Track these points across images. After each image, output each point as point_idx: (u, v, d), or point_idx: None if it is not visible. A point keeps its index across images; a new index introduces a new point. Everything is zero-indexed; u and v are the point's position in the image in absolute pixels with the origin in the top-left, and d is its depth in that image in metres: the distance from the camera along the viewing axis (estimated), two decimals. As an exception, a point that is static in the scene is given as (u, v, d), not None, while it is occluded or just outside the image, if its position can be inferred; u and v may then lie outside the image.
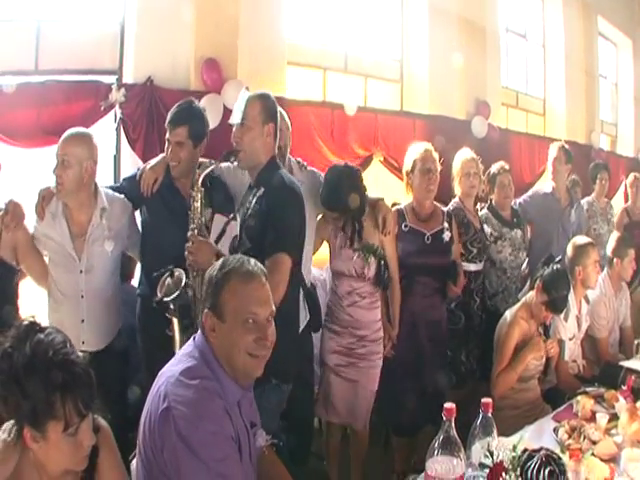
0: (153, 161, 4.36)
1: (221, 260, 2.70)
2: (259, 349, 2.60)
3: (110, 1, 6.44)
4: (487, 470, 2.63)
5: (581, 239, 5.35)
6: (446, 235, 5.04)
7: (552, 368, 4.81)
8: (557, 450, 3.04)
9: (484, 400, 2.80)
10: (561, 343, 4.87)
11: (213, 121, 5.93)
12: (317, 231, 4.69)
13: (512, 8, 11.11)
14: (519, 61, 11.34)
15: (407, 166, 5.10)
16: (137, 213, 4.43)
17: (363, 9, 8.52)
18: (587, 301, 5.28)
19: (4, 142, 5.26)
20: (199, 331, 2.66)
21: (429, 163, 4.97)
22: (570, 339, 5.00)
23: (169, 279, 3.67)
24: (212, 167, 3.80)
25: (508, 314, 4.65)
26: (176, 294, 3.58)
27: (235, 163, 3.84)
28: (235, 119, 3.73)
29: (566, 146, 6.68)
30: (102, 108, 5.77)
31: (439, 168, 5.04)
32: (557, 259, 4.76)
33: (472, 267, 5.53)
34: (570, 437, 3.53)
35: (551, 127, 11.54)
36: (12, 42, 5.91)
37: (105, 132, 5.95)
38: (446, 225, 5.08)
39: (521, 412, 4.40)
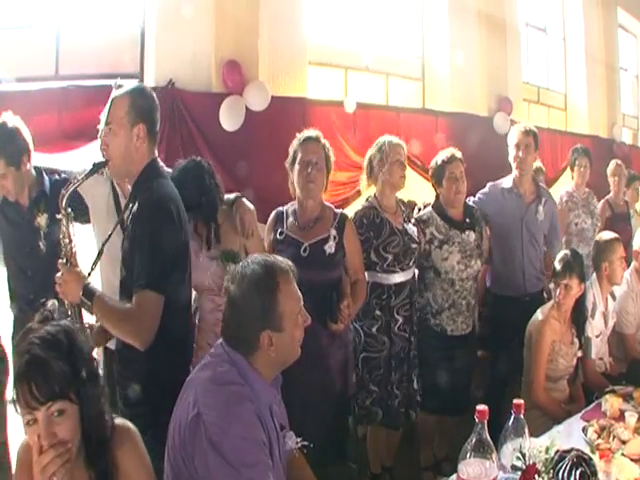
0: None
1: (249, 279, 2.52)
2: (303, 334, 2.67)
3: (130, 4, 6.47)
4: (519, 472, 2.62)
5: (607, 234, 5.27)
6: (329, 246, 4.14)
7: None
8: (587, 450, 3.02)
9: (516, 401, 2.77)
10: (588, 340, 4.82)
11: (235, 123, 5.96)
12: None
13: (532, 2, 11.05)
14: (540, 56, 11.27)
15: (289, 157, 4.28)
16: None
17: (383, 7, 8.48)
18: (613, 297, 5.23)
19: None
20: (223, 341, 2.63)
21: (310, 154, 4.14)
22: (597, 336, 4.95)
23: (43, 311, 3.41)
24: (77, 185, 3.21)
25: (540, 312, 4.61)
26: None
27: (107, 175, 3.51)
28: (101, 123, 3.31)
29: (531, 128, 5.56)
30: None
31: (329, 164, 4.23)
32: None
33: (392, 279, 4.60)
34: (599, 437, 3.51)
35: (573, 122, 11.48)
36: (32, 48, 5.95)
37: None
38: (333, 233, 4.18)
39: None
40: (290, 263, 2.66)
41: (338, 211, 4.38)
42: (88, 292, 3.04)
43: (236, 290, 2.54)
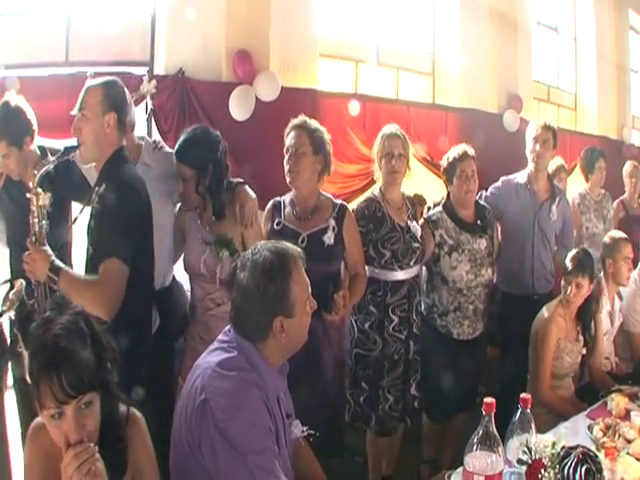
0: None
1: (261, 266, 2.52)
2: (310, 319, 2.68)
3: (140, -8, 6.45)
4: (525, 467, 2.62)
5: (615, 233, 5.27)
6: (328, 237, 4.04)
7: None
8: (592, 448, 3.00)
9: (523, 395, 2.76)
10: (594, 339, 4.81)
11: (245, 113, 5.94)
12: (176, 223, 4.08)
13: (543, 1, 11.00)
14: (550, 55, 11.24)
15: None
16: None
17: (395, 1, 8.45)
18: (620, 297, 5.21)
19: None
20: (232, 328, 2.62)
21: (290, 142, 4.07)
22: (603, 335, 4.94)
23: (10, 291, 3.47)
24: (49, 165, 3.36)
25: (545, 310, 4.57)
26: (15, 306, 3.39)
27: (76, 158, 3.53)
28: (75, 109, 3.37)
29: (551, 124, 5.45)
30: (133, 100, 5.76)
31: (318, 149, 4.05)
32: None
33: (389, 276, 4.46)
34: (605, 435, 3.50)
35: (582, 122, 11.45)
36: (43, 34, 5.96)
37: (136, 124, 5.96)
38: (332, 223, 4.09)
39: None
40: (299, 249, 2.66)
41: (337, 201, 4.25)
42: (55, 268, 3.15)
43: (248, 277, 2.52)
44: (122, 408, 2.36)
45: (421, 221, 4.77)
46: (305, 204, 4.13)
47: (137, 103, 5.82)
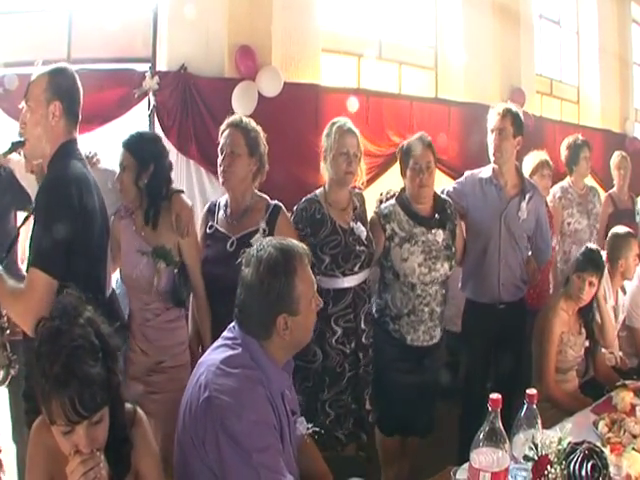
0: None
1: (265, 262, 2.50)
2: (315, 318, 2.68)
3: (143, -12, 6.43)
4: (531, 463, 2.61)
5: (621, 229, 5.20)
6: (256, 240, 3.66)
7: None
8: (598, 443, 3.00)
9: (529, 391, 2.75)
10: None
11: (247, 108, 5.93)
12: (112, 233, 3.72)
13: (546, -6, 10.97)
14: (553, 48, 11.20)
15: None
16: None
17: (397, -4, 8.43)
18: (624, 292, 5.21)
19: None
20: (236, 325, 2.61)
21: (229, 140, 3.90)
22: (611, 329, 4.93)
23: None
24: None
25: (548, 306, 4.56)
26: None
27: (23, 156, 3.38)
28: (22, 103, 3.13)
29: (511, 108, 4.86)
30: (136, 96, 5.77)
31: (251, 149, 3.90)
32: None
33: (331, 283, 4.07)
34: (610, 430, 3.49)
35: (585, 115, 11.42)
36: (44, 31, 5.94)
37: (139, 120, 5.96)
38: (263, 226, 3.87)
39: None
40: (305, 247, 2.66)
41: (272, 202, 4.01)
42: None
43: (252, 274, 2.51)
44: (128, 407, 2.36)
45: (372, 215, 4.47)
46: (237, 206, 3.98)
47: (140, 99, 5.84)
